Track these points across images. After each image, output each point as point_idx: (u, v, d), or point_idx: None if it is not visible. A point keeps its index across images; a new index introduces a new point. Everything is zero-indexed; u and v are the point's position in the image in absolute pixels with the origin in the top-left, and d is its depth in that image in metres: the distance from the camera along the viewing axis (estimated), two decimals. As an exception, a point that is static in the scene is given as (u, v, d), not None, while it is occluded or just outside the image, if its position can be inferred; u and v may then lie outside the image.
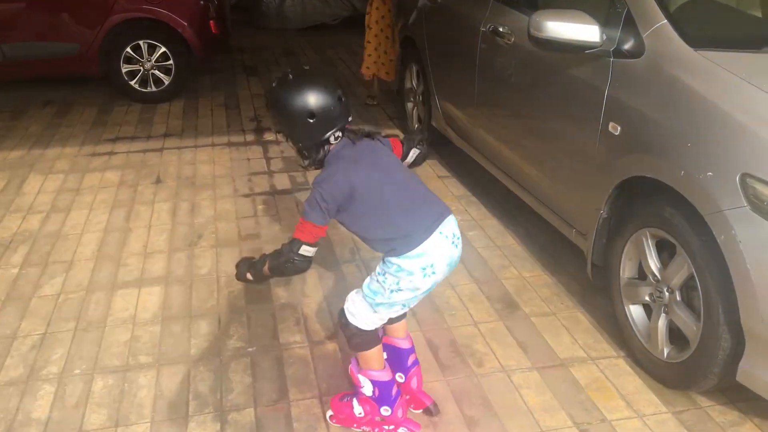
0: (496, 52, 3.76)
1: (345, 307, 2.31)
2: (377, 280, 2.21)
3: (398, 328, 2.45)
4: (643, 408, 2.55)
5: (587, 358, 2.83)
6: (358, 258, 3.63)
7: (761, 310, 2.15)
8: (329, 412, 2.51)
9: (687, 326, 2.49)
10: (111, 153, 5.18)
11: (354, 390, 2.45)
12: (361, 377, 2.36)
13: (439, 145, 4.84)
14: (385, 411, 2.37)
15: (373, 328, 2.28)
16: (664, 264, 2.62)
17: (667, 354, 2.61)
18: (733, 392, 2.55)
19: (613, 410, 2.54)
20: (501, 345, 2.91)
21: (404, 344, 2.48)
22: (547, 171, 3.34)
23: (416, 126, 5.29)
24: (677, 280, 2.52)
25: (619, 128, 2.72)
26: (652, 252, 2.65)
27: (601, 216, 2.90)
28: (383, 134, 2.38)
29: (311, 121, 2.14)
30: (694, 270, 2.42)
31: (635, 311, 2.81)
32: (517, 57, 3.54)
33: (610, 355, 2.85)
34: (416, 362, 2.51)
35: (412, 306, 2.30)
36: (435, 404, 2.49)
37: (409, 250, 2.13)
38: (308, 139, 2.19)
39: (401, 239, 2.14)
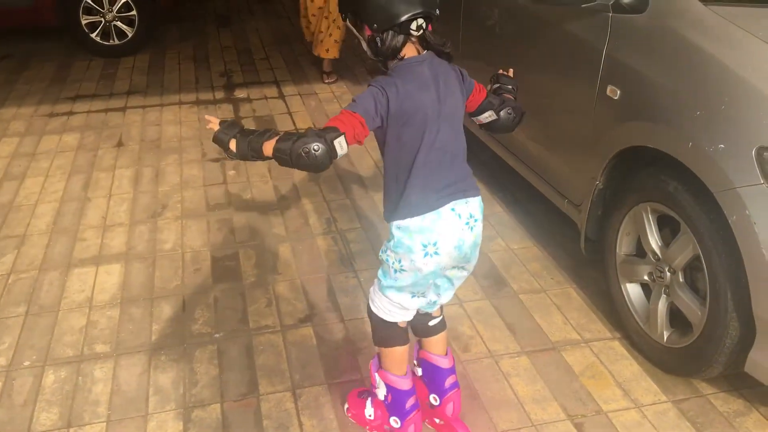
0: (482, 3, 3.47)
1: (370, 292, 2.09)
2: (383, 259, 1.97)
3: (436, 343, 2.16)
4: (641, 397, 2.37)
5: (580, 340, 2.63)
6: (335, 229, 3.39)
7: (776, 302, 1.95)
8: (346, 405, 2.31)
9: (690, 310, 2.29)
10: (70, 113, 4.85)
11: (371, 390, 2.22)
12: (377, 377, 2.12)
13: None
14: (395, 422, 2.13)
15: (393, 319, 2.03)
16: (666, 242, 2.41)
17: (668, 338, 2.42)
18: (736, 378, 2.37)
19: (609, 400, 2.36)
20: (488, 327, 2.70)
21: (443, 363, 2.15)
22: (539, 137, 3.09)
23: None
24: (681, 260, 2.31)
25: (618, 92, 2.47)
26: (653, 228, 2.44)
27: (597, 186, 2.67)
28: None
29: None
30: (699, 251, 2.20)
31: (632, 290, 2.60)
32: (507, 11, 3.25)
33: (604, 336, 2.65)
34: (455, 385, 2.17)
35: (429, 298, 2.05)
36: None
37: (409, 216, 1.87)
38: (384, 14, 1.76)
39: (406, 198, 1.87)
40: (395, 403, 2.10)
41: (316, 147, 1.72)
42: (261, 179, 3.88)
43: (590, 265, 2.98)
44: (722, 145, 2.05)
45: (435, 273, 1.95)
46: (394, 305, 2.00)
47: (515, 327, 2.70)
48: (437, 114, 1.85)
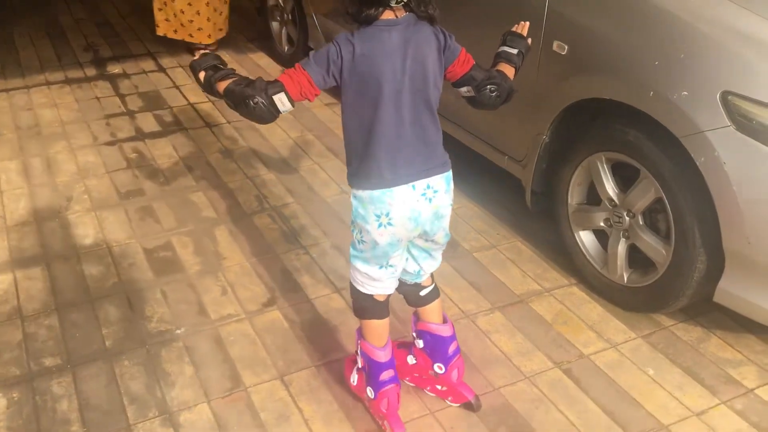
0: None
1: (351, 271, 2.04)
2: (351, 230, 1.94)
3: (431, 311, 2.14)
4: (613, 336, 2.50)
5: (542, 290, 2.73)
6: (268, 206, 3.24)
7: (748, 231, 2.12)
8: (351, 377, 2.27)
9: (654, 250, 2.44)
10: None
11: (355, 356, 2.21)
12: (359, 345, 2.10)
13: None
14: (370, 392, 2.09)
15: (367, 291, 1.99)
16: (621, 188, 2.53)
17: (628, 278, 2.57)
18: (689, 309, 2.57)
19: (587, 344, 2.47)
20: (455, 288, 2.72)
21: (444, 331, 2.13)
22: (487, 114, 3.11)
23: (286, 48, 4.82)
24: (641, 204, 2.45)
25: (566, 47, 2.54)
26: (609, 177, 2.55)
27: (544, 141, 2.75)
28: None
29: None
30: (663, 194, 2.34)
31: (586, 237, 2.73)
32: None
33: (562, 284, 2.77)
34: (458, 351, 2.16)
35: (410, 269, 2.05)
36: (477, 398, 2.19)
37: (361, 188, 1.84)
38: None
39: (362, 168, 1.83)
40: (371, 374, 2.08)
41: (256, 100, 1.74)
42: (169, 159, 3.63)
43: (532, 218, 3.08)
44: (685, 93, 2.17)
45: (393, 245, 1.90)
46: (363, 276, 1.98)
47: (479, 285, 2.75)
48: (398, 86, 1.75)
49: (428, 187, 1.87)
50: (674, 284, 2.39)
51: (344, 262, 2.84)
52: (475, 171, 3.46)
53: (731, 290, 2.24)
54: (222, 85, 1.82)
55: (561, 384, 2.30)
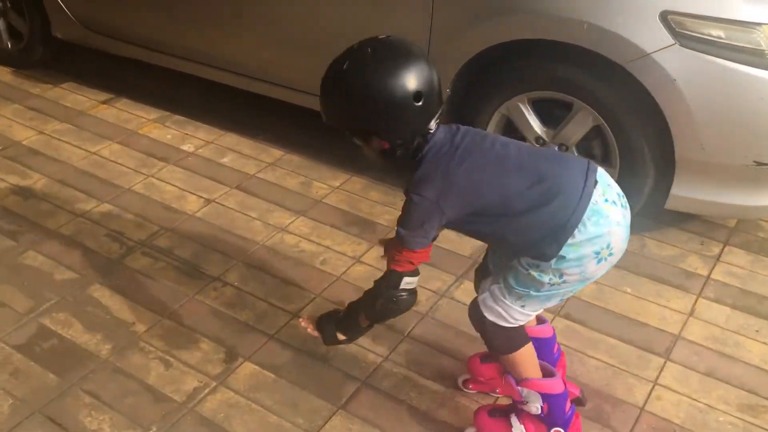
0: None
1: (480, 299, 1.71)
2: (534, 275, 1.61)
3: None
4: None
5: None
6: (132, 242, 2.62)
7: (701, 138, 2.27)
8: (470, 430, 1.91)
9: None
10: None
11: (513, 406, 1.85)
12: (524, 391, 1.78)
13: (67, 61, 3.74)
14: None
15: (519, 323, 1.71)
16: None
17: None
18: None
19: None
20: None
21: (547, 332, 1.92)
22: None
23: (10, 45, 3.84)
24: (578, 136, 2.48)
25: (468, -9, 2.41)
26: (534, 116, 2.53)
27: (447, 95, 2.61)
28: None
29: (418, 104, 1.50)
30: (603, 121, 2.40)
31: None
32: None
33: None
34: (560, 349, 1.98)
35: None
36: (583, 392, 1.99)
37: (564, 242, 1.55)
38: (409, 133, 1.55)
39: (553, 231, 1.55)
40: (554, 412, 1.79)
41: (395, 297, 1.66)
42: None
43: None
44: (623, 19, 2.21)
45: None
46: (524, 315, 1.71)
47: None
48: (498, 156, 1.61)
49: (619, 195, 1.64)
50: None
51: (278, 275, 2.45)
52: (328, 139, 3.18)
53: (684, 194, 2.41)
54: (362, 320, 1.76)
55: (570, 329, 2.29)
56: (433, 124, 1.58)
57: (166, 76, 3.61)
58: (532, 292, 1.64)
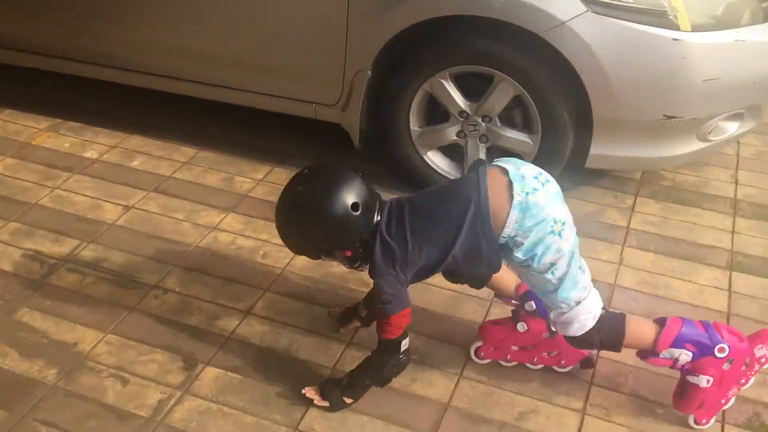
0: None
1: (573, 328, 1.80)
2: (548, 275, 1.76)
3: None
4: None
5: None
6: (53, 259, 2.45)
7: (618, 98, 2.42)
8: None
9: (520, 143, 2.61)
10: None
11: (682, 378, 1.89)
12: (663, 354, 1.83)
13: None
14: (722, 351, 1.79)
15: (600, 309, 1.81)
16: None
17: (491, 179, 2.71)
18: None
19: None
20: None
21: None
22: (268, 58, 2.78)
23: None
24: (500, 106, 2.57)
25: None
26: (457, 91, 2.60)
27: (368, 77, 2.63)
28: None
29: (357, 214, 1.75)
30: (523, 90, 2.50)
31: (435, 157, 2.77)
32: None
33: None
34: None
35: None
36: (591, 354, 2.07)
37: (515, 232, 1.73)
38: (360, 236, 1.79)
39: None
40: (699, 343, 1.80)
41: (399, 362, 1.88)
42: None
43: (365, 162, 2.96)
44: (537, -9, 2.31)
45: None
46: (593, 303, 1.80)
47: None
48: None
49: (522, 177, 1.75)
50: (547, 166, 2.57)
51: (220, 275, 2.38)
52: (254, 131, 3.14)
53: (603, 153, 2.56)
54: (365, 385, 1.93)
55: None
56: (376, 217, 1.80)
57: (50, 81, 3.38)
58: (560, 290, 1.75)
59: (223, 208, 2.75)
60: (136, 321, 2.23)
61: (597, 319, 1.80)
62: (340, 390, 1.92)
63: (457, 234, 1.73)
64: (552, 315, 1.83)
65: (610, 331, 1.82)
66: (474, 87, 2.59)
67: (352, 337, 2.18)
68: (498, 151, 2.67)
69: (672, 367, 1.86)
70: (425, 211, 1.79)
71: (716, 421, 1.94)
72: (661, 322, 1.84)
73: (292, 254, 2.01)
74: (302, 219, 1.79)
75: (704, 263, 2.52)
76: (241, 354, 2.13)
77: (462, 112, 2.62)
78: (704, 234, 2.68)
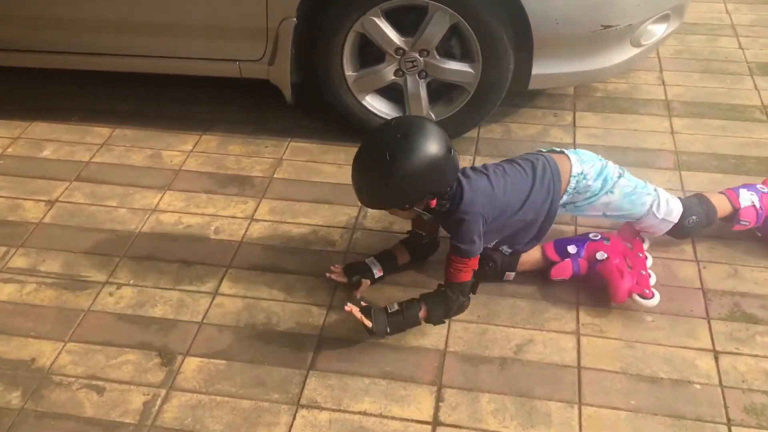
0: None
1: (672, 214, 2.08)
2: (620, 195, 2.05)
3: None
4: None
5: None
6: (-13, 272, 2.20)
7: (555, 14, 2.37)
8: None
9: (462, 74, 2.53)
10: None
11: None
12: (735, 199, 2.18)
13: None
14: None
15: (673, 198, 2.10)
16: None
17: (435, 114, 2.63)
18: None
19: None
20: (312, 220, 2.40)
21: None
22: (180, 16, 2.56)
23: None
24: (437, 38, 2.47)
25: None
26: (390, 28, 2.47)
27: (293, 24, 2.46)
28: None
29: (452, 156, 1.84)
30: (460, 17, 2.41)
31: (373, 100, 2.65)
32: None
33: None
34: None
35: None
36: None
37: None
38: (453, 177, 1.88)
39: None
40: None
41: (463, 304, 1.95)
42: None
43: (300, 115, 2.82)
44: None
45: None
46: (667, 199, 2.07)
47: (322, 202, 2.47)
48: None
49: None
50: (491, 93, 2.57)
51: (175, 259, 2.22)
52: (179, 99, 2.93)
53: (544, 72, 2.53)
54: (422, 317, 1.93)
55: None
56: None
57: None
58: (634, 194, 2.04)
59: (158, 187, 2.55)
60: (95, 323, 2.05)
61: (682, 209, 2.07)
62: (387, 316, 1.90)
63: (532, 185, 1.95)
64: (644, 222, 2.07)
65: (696, 211, 2.10)
66: (406, 22, 2.48)
67: (332, 300, 2.09)
68: (439, 85, 2.59)
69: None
70: (501, 167, 2.00)
71: (701, 318, 2.00)
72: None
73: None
74: (408, 169, 1.78)
75: (654, 167, 2.57)
76: (220, 338, 1.99)
77: (398, 49, 2.51)
78: (647, 139, 2.72)
